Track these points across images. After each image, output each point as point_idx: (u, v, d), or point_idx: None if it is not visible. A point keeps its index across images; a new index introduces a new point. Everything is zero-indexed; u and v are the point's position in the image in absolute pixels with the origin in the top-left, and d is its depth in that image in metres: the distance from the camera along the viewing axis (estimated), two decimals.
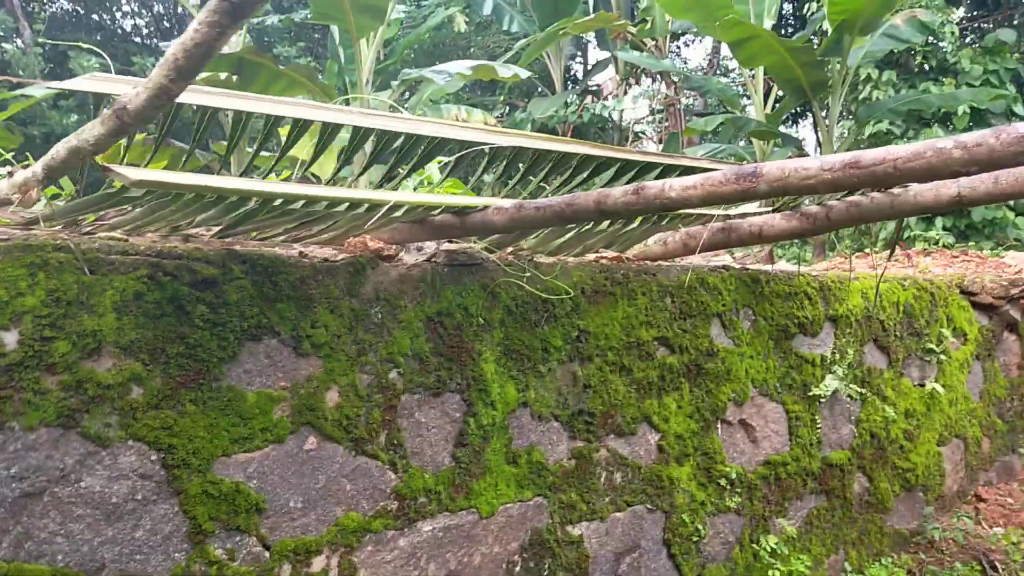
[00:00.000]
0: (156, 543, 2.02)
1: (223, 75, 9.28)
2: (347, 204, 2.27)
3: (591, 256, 3.13)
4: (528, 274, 2.74)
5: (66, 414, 1.91)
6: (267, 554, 2.20)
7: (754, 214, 3.42)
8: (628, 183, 2.53)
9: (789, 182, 1.70)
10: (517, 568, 2.73)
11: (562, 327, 2.88)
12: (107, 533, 1.96)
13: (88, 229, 2.22)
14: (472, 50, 18.46)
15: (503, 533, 2.70)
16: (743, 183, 1.75)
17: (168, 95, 1.52)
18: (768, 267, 3.79)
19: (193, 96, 1.82)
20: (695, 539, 3.26)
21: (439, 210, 2.45)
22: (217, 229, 2.25)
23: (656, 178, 2.66)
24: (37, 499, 1.89)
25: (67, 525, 1.91)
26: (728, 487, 3.41)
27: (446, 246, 2.61)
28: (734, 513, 3.44)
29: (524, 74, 11.05)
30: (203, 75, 9.24)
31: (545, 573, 2.79)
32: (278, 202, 2.10)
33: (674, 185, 1.86)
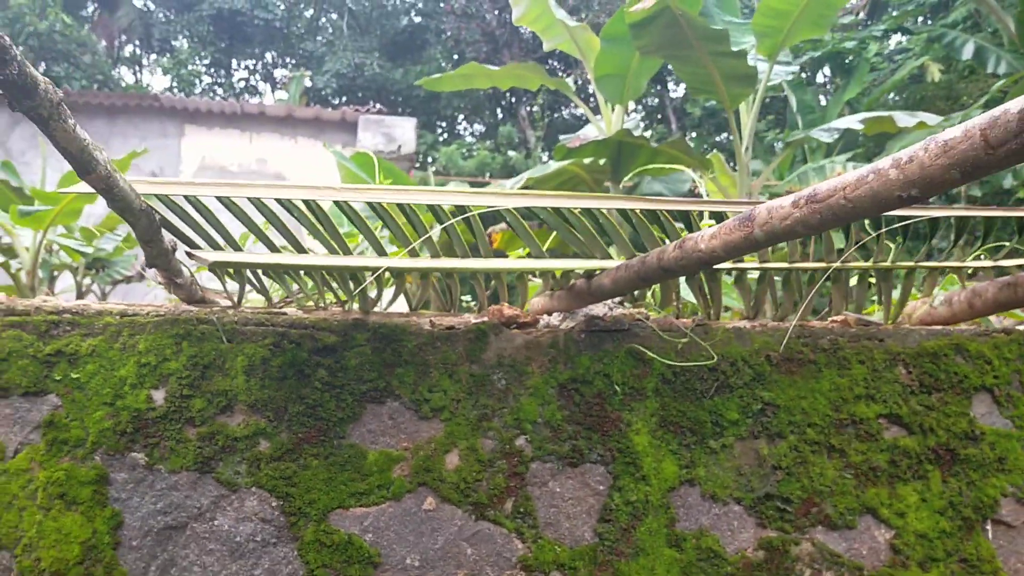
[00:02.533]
0: None
1: (602, 160, 9.98)
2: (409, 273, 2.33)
3: (789, 320, 2.72)
4: (685, 339, 2.50)
5: (202, 460, 2.26)
6: None
7: None
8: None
9: (774, 225, 1.34)
10: None
11: (739, 399, 2.56)
12: (231, 568, 2.25)
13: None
14: (963, 99, 16.52)
15: None
16: (744, 229, 1.42)
17: None
18: None
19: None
20: None
21: (564, 274, 2.37)
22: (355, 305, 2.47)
23: None
24: (181, 531, 2.25)
25: (202, 557, 2.25)
26: None
27: (590, 311, 2.51)
28: None
29: (932, 120, 9.78)
30: (586, 160, 9.95)
31: None
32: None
33: (704, 235, 1.59)
